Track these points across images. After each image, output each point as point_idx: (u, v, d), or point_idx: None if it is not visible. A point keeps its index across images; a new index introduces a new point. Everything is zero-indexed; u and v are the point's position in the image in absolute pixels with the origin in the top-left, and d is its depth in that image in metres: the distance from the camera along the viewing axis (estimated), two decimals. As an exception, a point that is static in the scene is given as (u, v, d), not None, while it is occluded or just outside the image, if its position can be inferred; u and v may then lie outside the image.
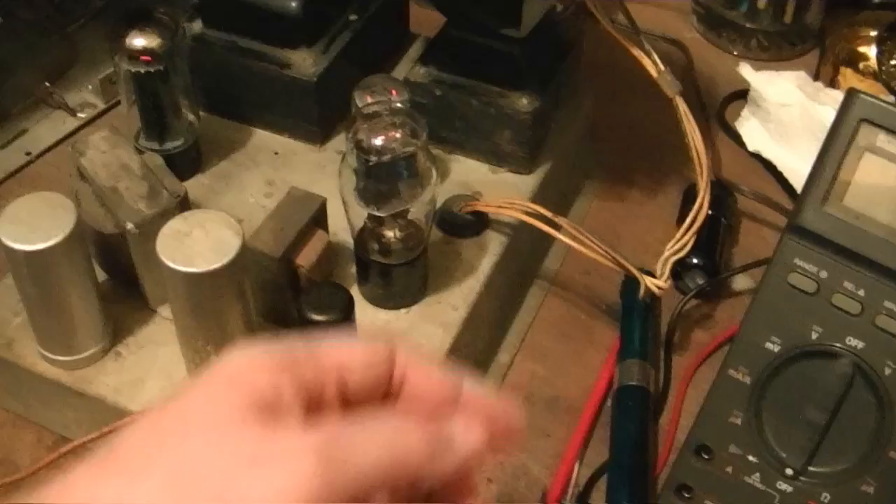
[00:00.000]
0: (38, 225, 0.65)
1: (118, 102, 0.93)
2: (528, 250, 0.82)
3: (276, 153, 0.84)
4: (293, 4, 0.80)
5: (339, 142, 0.83)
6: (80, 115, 0.94)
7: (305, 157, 0.84)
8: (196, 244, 0.63)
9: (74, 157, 0.74)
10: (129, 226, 0.69)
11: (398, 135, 0.67)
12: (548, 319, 0.81)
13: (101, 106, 0.94)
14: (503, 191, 0.79)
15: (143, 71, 0.76)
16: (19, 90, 0.94)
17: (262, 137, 0.85)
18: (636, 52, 0.77)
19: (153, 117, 0.79)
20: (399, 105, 0.73)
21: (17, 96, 0.94)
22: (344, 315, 0.65)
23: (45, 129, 0.93)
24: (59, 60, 0.97)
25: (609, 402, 0.75)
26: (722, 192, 0.87)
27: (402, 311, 0.73)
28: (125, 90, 0.78)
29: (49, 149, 0.92)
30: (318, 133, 0.83)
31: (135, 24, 0.76)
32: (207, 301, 0.64)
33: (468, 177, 0.81)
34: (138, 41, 0.76)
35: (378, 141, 0.67)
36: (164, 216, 0.67)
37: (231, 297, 0.64)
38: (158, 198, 0.71)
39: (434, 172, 0.70)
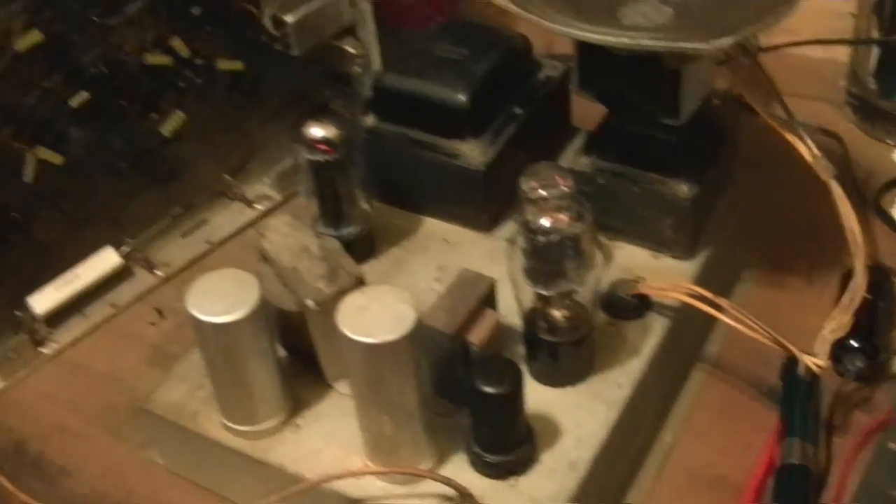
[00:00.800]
0: (225, 300, 0.70)
1: (293, 194, 1.00)
2: (689, 332, 0.84)
3: (445, 240, 0.88)
4: (461, 98, 0.84)
5: (507, 229, 0.87)
6: (257, 206, 1.00)
7: (474, 243, 0.87)
8: (374, 317, 0.66)
9: (257, 239, 0.79)
10: (310, 303, 0.73)
11: (565, 217, 0.70)
12: (709, 400, 0.82)
13: (278, 198, 1.00)
14: (665, 275, 0.81)
15: (321, 160, 0.81)
16: (201, 183, 1.01)
17: (432, 225, 0.89)
18: (791, 137, 0.79)
19: (330, 204, 0.84)
20: (565, 190, 0.76)
21: (199, 189, 1.00)
22: (514, 388, 0.67)
23: (225, 219, 0.99)
24: (238, 155, 1.03)
25: (771, 482, 0.75)
26: (880, 276, 0.87)
27: (569, 388, 0.75)
28: (305, 178, 0.83)
29: (228, 238, 0.98)
30: (486, 221, 0.87)
31: (314, 116, 0.82)
32: (384, 372, 0.67)
33: (631, 262, 0.83)
34: (318, 132, 0.81)
35: (545, 222, 0.70)
36: (343, 295, 0.71)
37: (406, 369, 0.67)
38: (337, 278, 0.75)
39: (599, 255, 0.73)
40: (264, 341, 0.72)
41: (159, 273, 0.95)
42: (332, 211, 0.84)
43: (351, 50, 1.02)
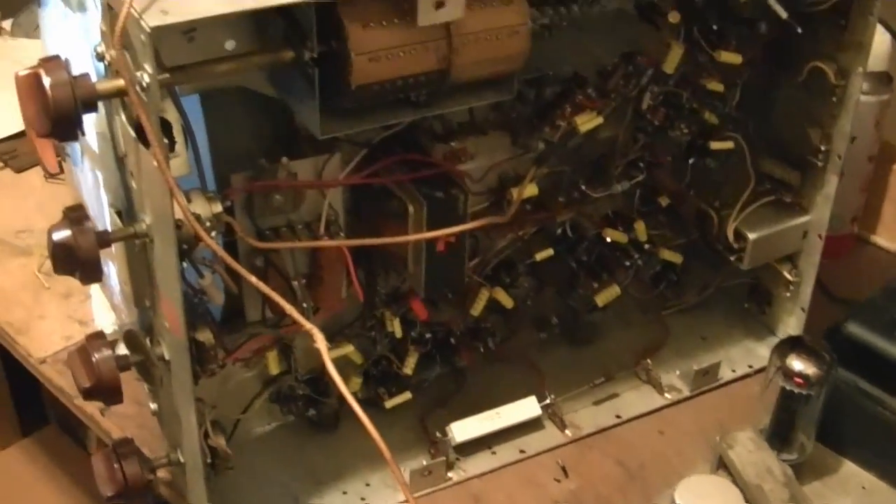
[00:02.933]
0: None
1: (701, 393, 1.03)
2: None
3: (863, 487, 0.90)
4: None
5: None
6: (666, 395, 1.04)
7: (888, 497, 0.89)
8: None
9: (722, 448, 0.83)
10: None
11: None
12: None
13: (686, 393, 1.04)
14: None
15: (794, 391, 0.85)
16: (616, 357, 1.06)
17: (853, 470, 0.91)
18: None
19: (783, 430, 0.87)
20: None
21: (614, 361, 1.05)
22: None
23: (635, 398, 1.04)
24: (653, 339, 1.08)
25: None
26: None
27: None
28: (771, 399, 0.87)
29: (635, 417, 1.02)
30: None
31: (795, 349, 0.86)
32: None
33: None
34: (799, 366, 0.85)
35: None
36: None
37: None
38: (801, 508, 0.78)
39: None
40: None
41: (568, 433, 1.00)
42: (782, 436, 0.87)
43: (787, 275, 1.07)
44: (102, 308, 1.09)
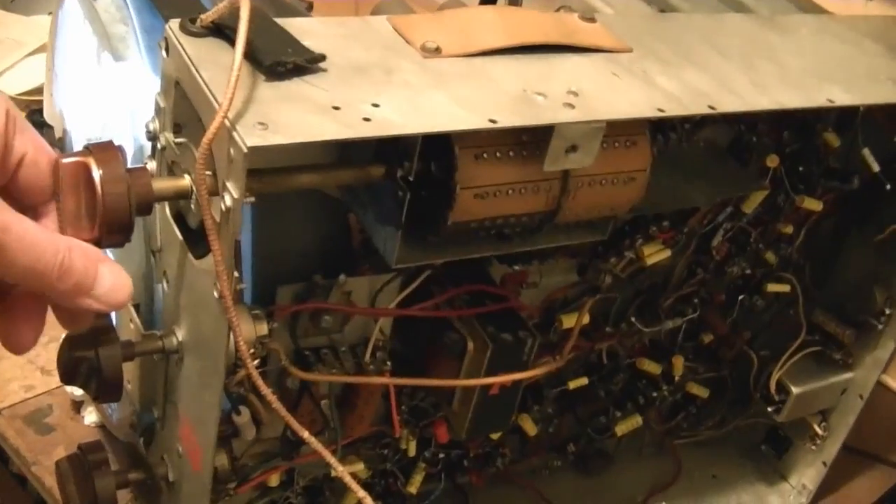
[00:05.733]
0: None
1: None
2: None
3: None
4: None
5: None
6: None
7: None
8: None
9: None
10: None
11: None
12: None
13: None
14: None
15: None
16: (629, 493, 0.99)
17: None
18: None
19: None
20: None
21: (625, 499, 0.98)
22: None
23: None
24: (664, 472, 1.02)
25: None
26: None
27: None
28: None
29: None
30: None
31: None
32: None
33: None
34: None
35: None
36: None
37: None
38: None
39: None
40: None
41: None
42: None
43: (816, 428, 1.01)
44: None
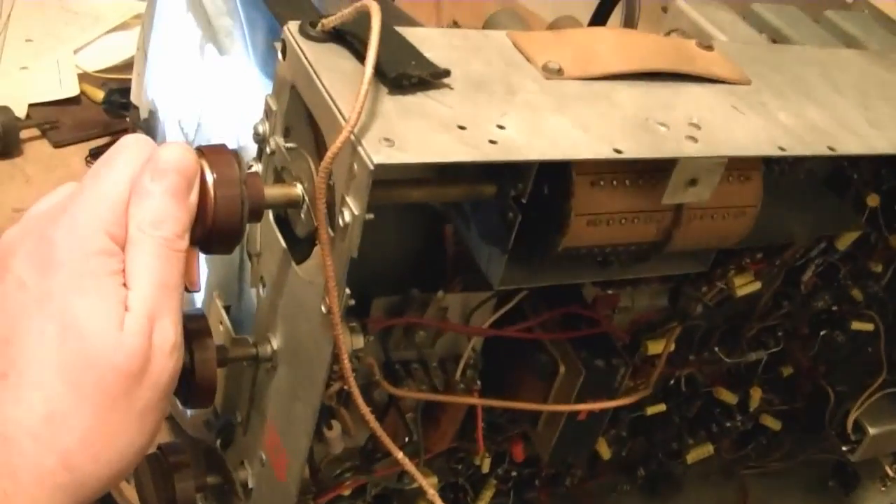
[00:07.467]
0: None
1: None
2: None
3: None
4: None
5: None
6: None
7: None
8: None
9: None
10: None
11: None
12: None
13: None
14: None
15: None
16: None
17: None
18: None
19: None
20: None
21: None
22: None
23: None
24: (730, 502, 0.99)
25: None
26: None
27: None
28: None
29: None
30: None
31: None
32: None
33: None
34: None
35: None
36: None
37: None
38: None
39: None
40: None
41: None
42: None
43: (888, 470, 0.99)
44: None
